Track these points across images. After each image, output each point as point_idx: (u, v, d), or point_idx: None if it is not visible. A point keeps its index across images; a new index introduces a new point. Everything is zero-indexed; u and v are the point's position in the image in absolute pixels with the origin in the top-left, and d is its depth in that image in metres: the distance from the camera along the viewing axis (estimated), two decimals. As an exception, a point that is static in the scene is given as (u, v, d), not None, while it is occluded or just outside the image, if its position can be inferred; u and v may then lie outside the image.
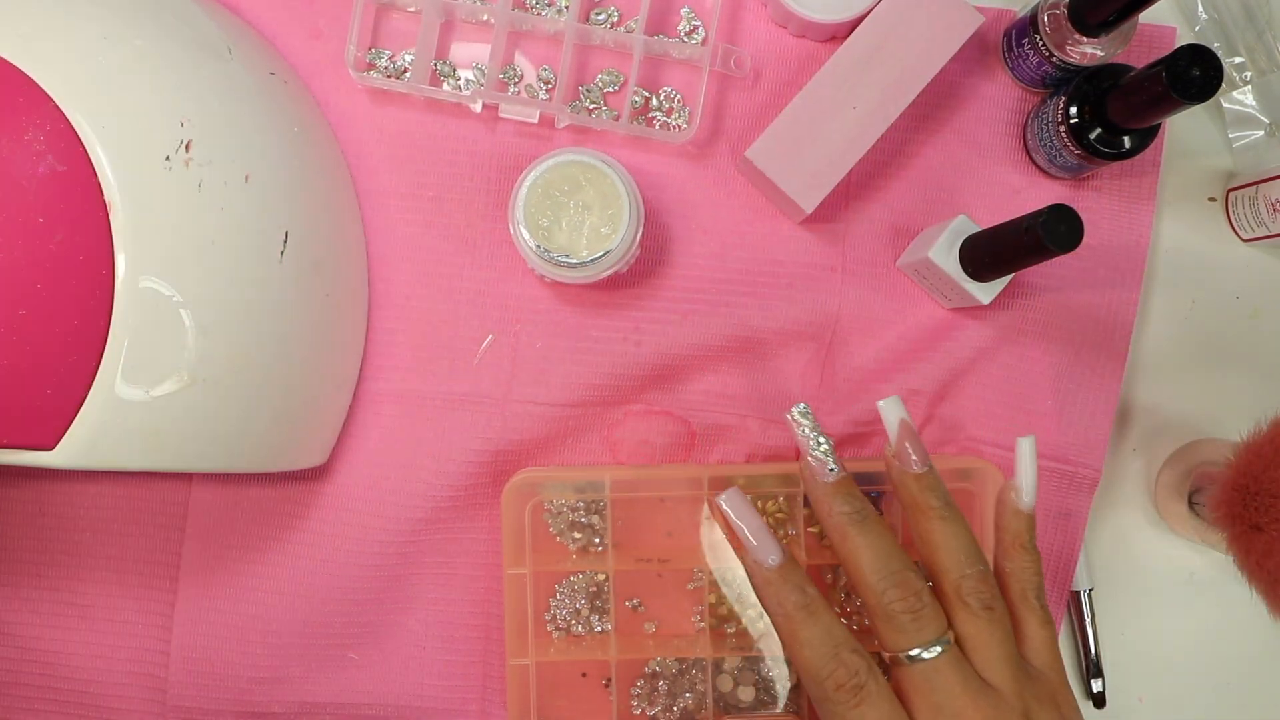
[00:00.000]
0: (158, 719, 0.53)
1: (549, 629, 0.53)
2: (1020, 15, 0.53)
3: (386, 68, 0.54)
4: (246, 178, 0.42)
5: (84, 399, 0.37)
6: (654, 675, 0.53)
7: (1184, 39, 0.57)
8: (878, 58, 0.50)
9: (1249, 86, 0.56)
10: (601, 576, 0.53)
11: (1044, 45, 0.50)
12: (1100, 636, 0.56)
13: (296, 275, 0.45)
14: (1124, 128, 0.49)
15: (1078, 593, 0.55)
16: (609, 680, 0.52)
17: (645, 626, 0.53)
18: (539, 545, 0.52)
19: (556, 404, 0.53)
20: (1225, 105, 0.57)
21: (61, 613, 0.53)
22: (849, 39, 0.50)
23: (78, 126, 0.38)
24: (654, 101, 0.54)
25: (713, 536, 0.53)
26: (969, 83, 0.55)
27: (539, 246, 0.47)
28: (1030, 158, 0.55)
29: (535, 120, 0.54)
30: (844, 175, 0.50)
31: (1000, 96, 0.56)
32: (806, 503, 0.53)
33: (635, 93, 0.54)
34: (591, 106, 0.54)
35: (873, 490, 0.54)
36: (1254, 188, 0.54)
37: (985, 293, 0.49)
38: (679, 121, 0.54)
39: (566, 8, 0.53)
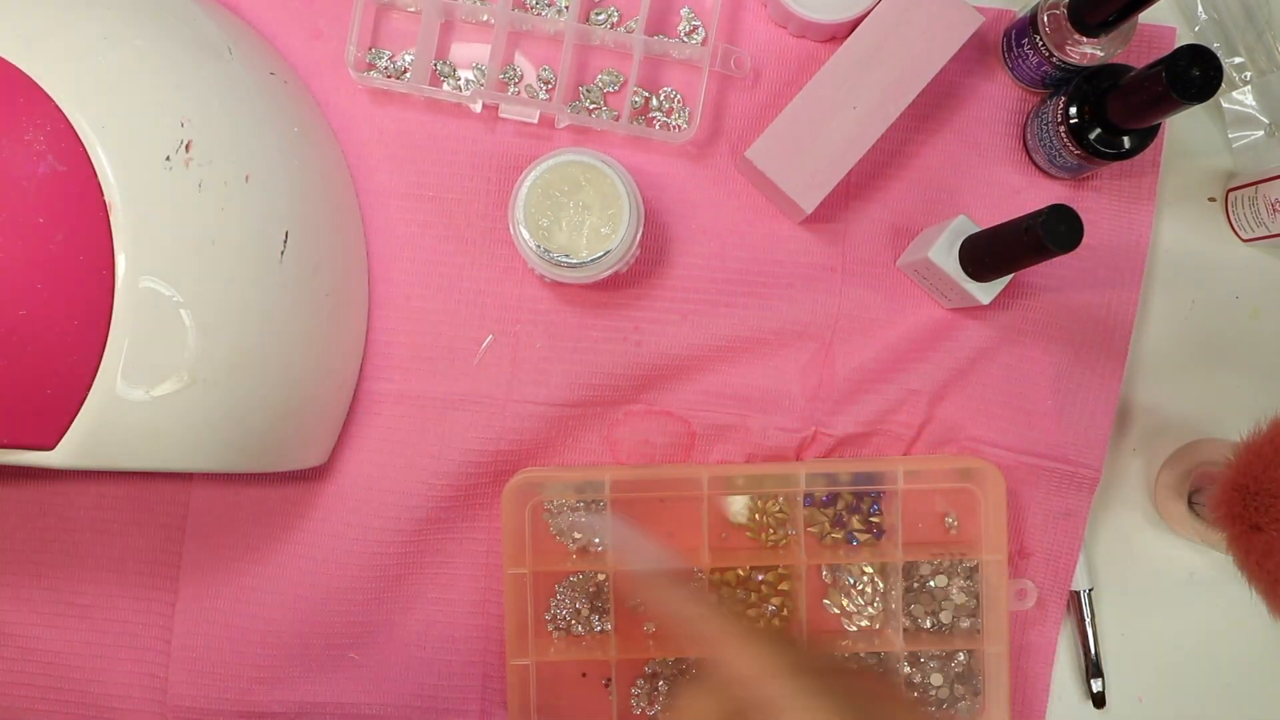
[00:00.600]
0: (158, 719, 0.53)
1: (549, 629, 0.53)
2: (1020, 15, 0.53)
3: (386, 68, 0.54)
4: (247, 178, 0.42)
5: (84, 399, 0.37)
6: (654, 675, 0.53)
7: (1184, 39, 0.57)
8: (878, 58, 0.50)
9: (1249, 86, 0.56)
10: (601, 576, 0.53)
11: (1044, 45, 0.50)
12: (1100, 636, 0.56)
13: (297, 275, 0.45)
14: (1124, 128, 0.49)
15: (1078, 593, 0.55)
16: (609, 680, 0.52)
17: (645, 626, 0.53)
18: (539, 545, 0.52)
19: (556, 404, 0.53)
20: (1225, 105, 0.57)
21: (62, 613, 0.53)
22: (849, 39, 0.50)
23: (78, 127, 0.38)
24: (654, 101, 0.54)
25: (712, 536, 0.53)
26: (969, 83, 0.55)
27: (539, 246, 0.47)
28: (1030, 158, 0.55)
29: (535, 120, 0.54)
30: (844, 175, 0.50)
31: (1000, 96, 0.56)
32: (807, 502, 0.54)
33: (635, 93, 0.54)
34: (591, 106, 0.54)
35: (873, 489, 0.54)
36: (1254, 188, 0.54)
37: (985, 293, 0.49)
38: (679, 121, 0.54)
39: (566, 8, 0.53)
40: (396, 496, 0.53)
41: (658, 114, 0.54)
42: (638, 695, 0.52)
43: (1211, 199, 0.57)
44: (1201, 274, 0.57)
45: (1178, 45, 0.46)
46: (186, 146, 0.40)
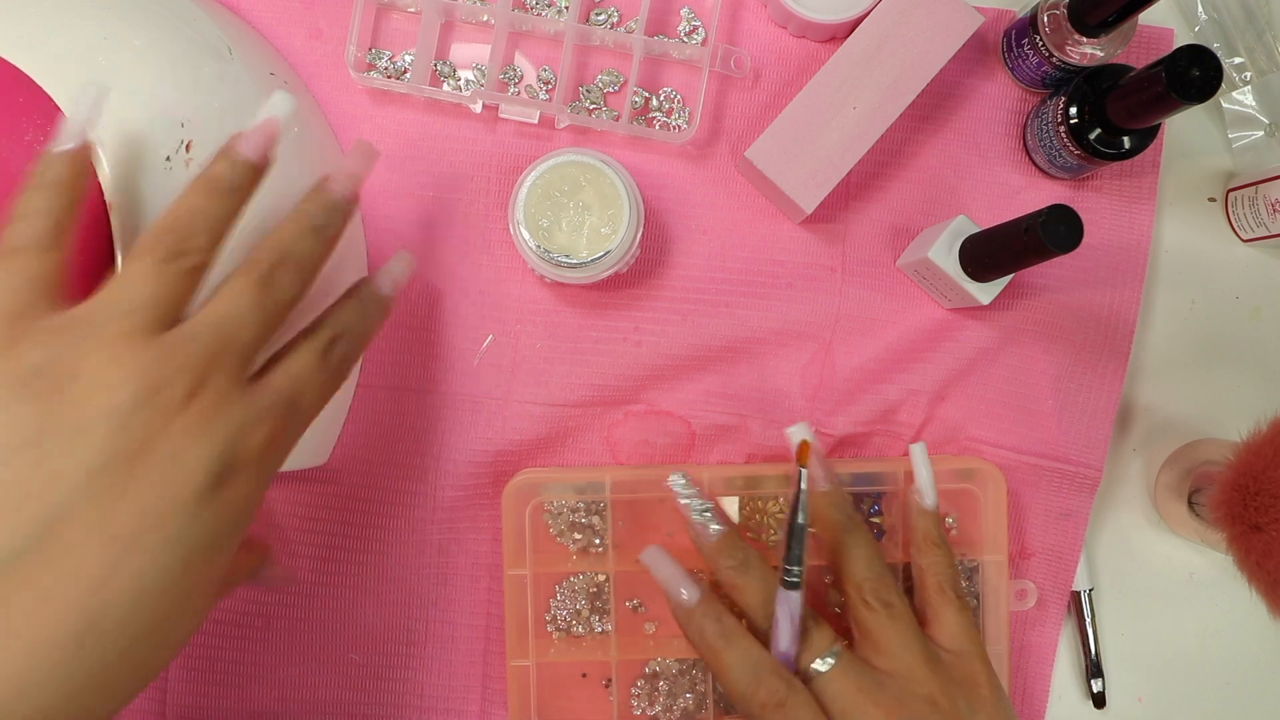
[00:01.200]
0: (157, 717, 0.53)
1: (549, 629, 0.53)
2: (1020, 15, 0.53)
3: (386, 68, 0.54)
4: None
5: None
6: (654, 675, 0.53)
7: (1184, 39, 0.57)
8: (877, 58, 0.50)
9: (1249, 86, 0.56)
10: (602, 577, 0.53)
11: (1044, 45, 0.50)
12: (1100, 636, 0.56)
13: None
14: (1123, 128, 0.49)
15: (1078, 593, 0.55)
16: (609, 680, 0.52)
17: (645, 627, 0.53)
18: (539, 546, 0.52)
19: (556, 404, 0.53)
20: (1225, 105, 0.57)
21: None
22: (849, 39, 0.50)
23: None
24: (654, 102, 0.54)
25: None
26: (969, 83, 0.55)
27: (539, 247, 0.47)
28: (1030, 158, 0.55)
29: (535, 120, 0.54)
30: (844, 175, 0.50)
31: (1000, 97, 0.56)
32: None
33: (635, 93, 0.54)
34: (591, 107, 0.54)
35: (874, 490, 0.54)
36: (1254, 188, 0.54)
37: (985, 293, 0.49)
38: (679, 122, 0.54)
39: (566, 8, 0.53)
40: (396, 496, 0.53)
41: (658, 114, 0.54)
42: (638, 695, 0.52)
43: (1211, 199, 0.57)
44: (1201, 274, 0.57)
45: (1177, 46, 0.46)
46: (187, 147, 0.40)
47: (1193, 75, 0.42)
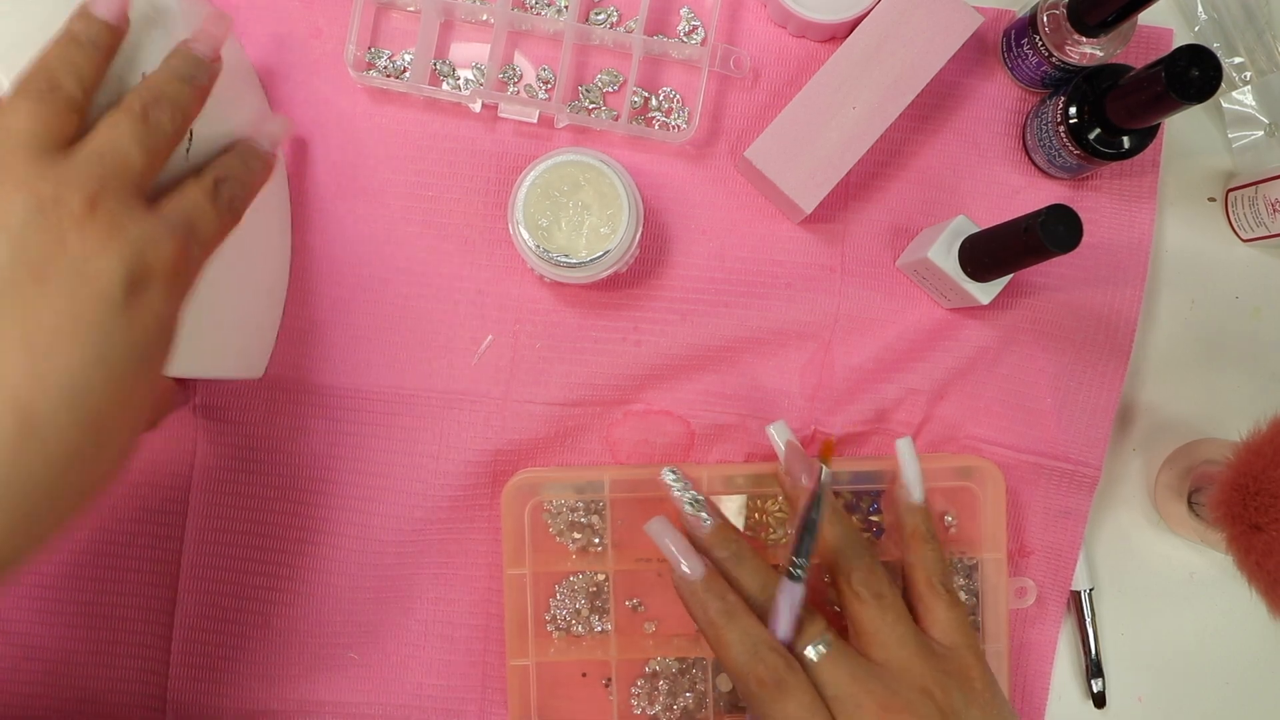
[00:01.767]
0: (158, 716, 0.53)
1: (549, 629, 0.53)
2: (1020, 15, 0.53)
3: (386, 67, 0.54)
4: (143, 75, 0.41)
5: None
6: (654, 675, 0.53)
7: (1184, 39, 0.57)
8: (877, 58, 0.50)
9: (1249, 86, 0.56)
10: (601, 576, 0.53)
11: (1043, 45, 0.50)
12: (1100, 636, 0.56)
13: None
14: (1123, 128, 0.49)
15: (1078, 593, 0.55)
16: (609, 680, 0.52)
17: (645, 626, 0.53)
18: (539, 545, 0.52)
19: (556, 404, 0.53)
20: (1225, 105, 0.57)
21: (61, 611, 0.53)
22: (848, 39, 0.50)
23: None
24: (653, 101, 0.54)
25: None
26: (968, 83, 0.55)
27: (538, 246, 0.47)
28: (1030, 158, 0.55)
29: (535, 120, 0.54)
30: (843, 175, 0.50)
31: (1000, 97, 0.56)
32: None
33: (635, 93, 0.54)
34: (591, 106, 0.54)
35: (873, 488, 0.54)
36: (1254, 188, 0.54)
37: (984, 293, 0.49)
38: (678, 121, 0.54)
39: (566, 8, 0.53)
40: (396, 496, 0.53)
41: (657, 114, 0.54)
42: (638, 695, 0.52)
43: (1211, 199, 0.57)
44: (1201, 274, 0.57)
45: (1176, 46, 0.46)
46: None
47: (1192, 75, 0.42)
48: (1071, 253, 0.42)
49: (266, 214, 0.51)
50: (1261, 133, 0.56)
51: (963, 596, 0.53)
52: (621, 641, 0.52)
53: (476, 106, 0.53)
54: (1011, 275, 0.49)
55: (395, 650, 0.53)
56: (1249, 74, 0.57)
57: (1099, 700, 0.55)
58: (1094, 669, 0.55)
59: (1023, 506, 0.55)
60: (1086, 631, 0.55)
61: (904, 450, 0.49)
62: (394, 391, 0.53)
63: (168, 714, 0.53)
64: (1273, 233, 0.54)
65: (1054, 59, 0.50)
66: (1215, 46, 0.57)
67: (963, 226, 0.49)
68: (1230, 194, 0.57)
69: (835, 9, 0.52)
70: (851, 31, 0.51)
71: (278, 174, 0.52)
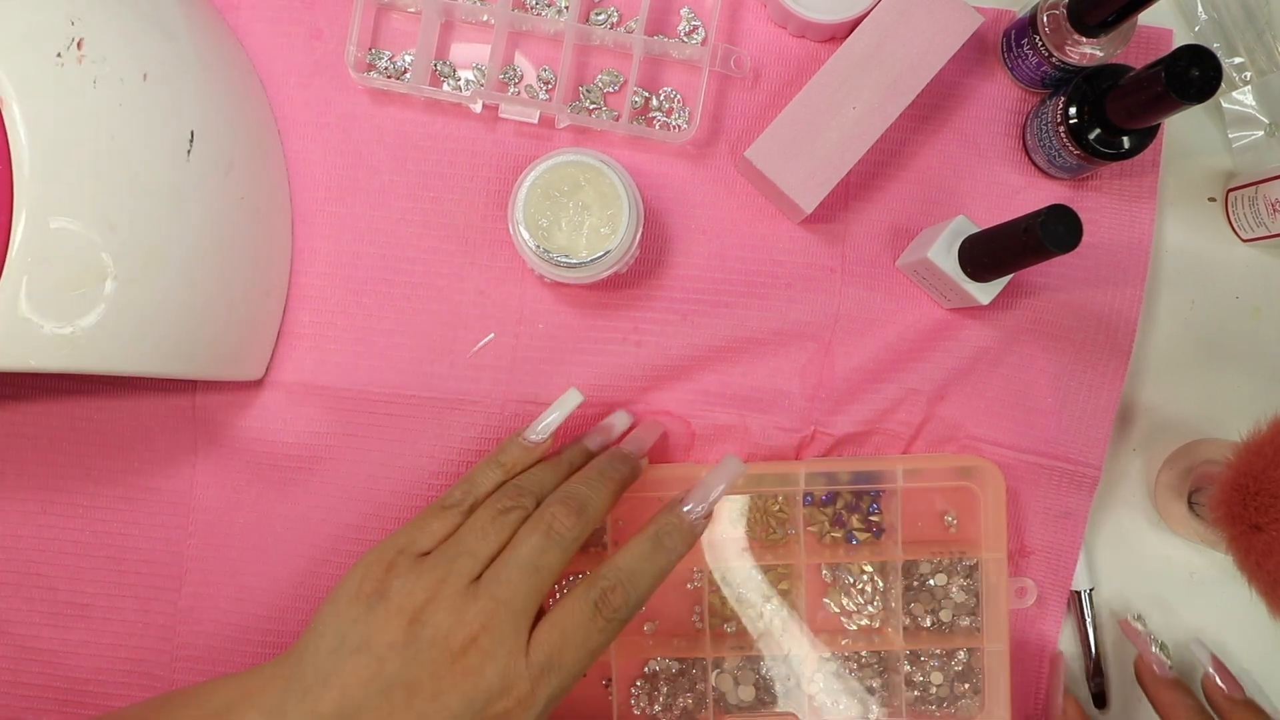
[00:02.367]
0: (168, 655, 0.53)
1: None
2: (1020, 15, 0.53)
3: (386, 68, 0.54)
4: (145, 76, 0.42)
5: None
6: (654, 675, 0.53)
7: (1184, 39, 0.57)
8: (877, 58, 0.50)
9: (1249, 86, 0.56)
10: None
11: (1043, 45, 0.50)
12: (1100, 636, 0.56)
13: (207, 175, 0.45)
14: (1123, 128, 0.49)
15: (1079, 593, 0.55)
16: (609, 680, 0.52)
17: (645, 626, 0.53)
18: None
19: (556, 404, 0.53)
20: (1225, 105, 0.57)
21: (62, 612, 0.53)
22: (848, 39, 0.50)
23: None
24: (654, 101, 0.54)
25: (712, 535, 0.53)
26: (968, 83, 0.55)
27: (539, 246, 0.47)
28: (1030, 158, 0.55)
29: (535, 120, 0.54)
30: (843, 175, 0.50)
31: (1000, 97, 0.56)
32: (806, 501, 0.54)
33: (635, 93, 0.54)
34: (591, 106, 0.54)
35: (871, 489, 0.54)
36: (1254, 188, 0.54)
37: (984, 293, 0.49)
38: (679, 121, 0.54)
39: (566, 8, 0.53)
40: (396, 497, 0.53)
41: (658, 114, 0.54)
42: (637, 695, 0.52)
43: (1211, 199, 0.57)
44: (1201, 274, 0.57)
45: (1176, 46, 0.46)
46: (78, 44, 0.40)
47: (1192, 75, 0.42)
48: (1071, 253, 0.42)
49: (267, 214, 0.51)
50: (1261, 133, 0.56)
51: (963, 597, 0.53)
52: (621, 641, 0.52)
53: (477, 107, 0.53)
54: (1011, 275, 0.49)
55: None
56: (1249, 74, 0.57)
57: (1099, 700, 0.55)
58: (1094, 669, 0.55)
59: (1023, 506, 0.55)
60: (1087, 632, 0.55)
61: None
62: (394, 392, 0.53)
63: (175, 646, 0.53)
64: (1273, 233, 0.54)
65: (1054, 59, 0.50)
66: (1215, 46, 0.57)
67: (962, 226, 0.49)
68: (1230, 194, 0.57)
69: (835, 9, 0.52)
70: (851, 31, 0.51)
71: (279, 174, 0.52)
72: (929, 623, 0.53)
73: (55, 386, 0.53)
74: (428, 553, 0.41)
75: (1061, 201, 0.43)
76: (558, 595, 0.53)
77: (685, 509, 0.43)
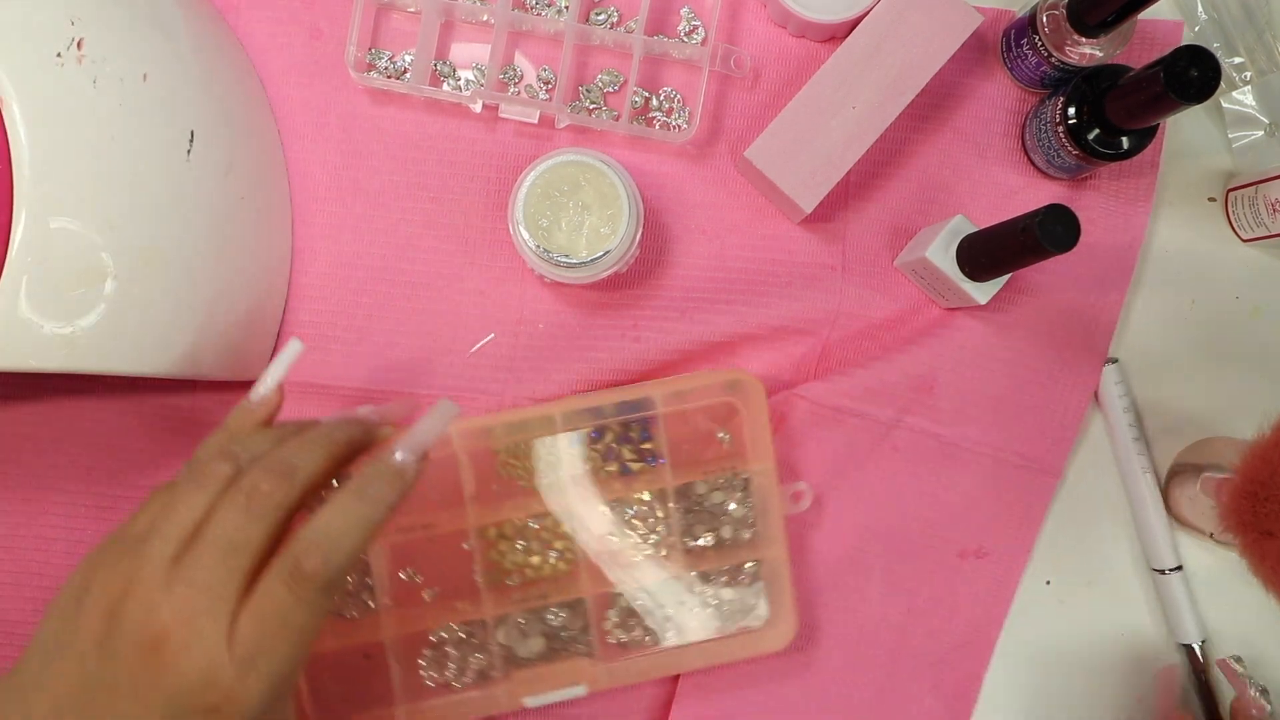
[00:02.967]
0: None
1: None
2: (1019, 15, 0.53)
3: (386, 68, 0.54)
4: (144, 76, 0.42)
5: None
6: (440, 643, 0.50)
7: (1184, 39, 0.57)
8: (877, 58, 0.50)
9: (1249, 86, 0.56)
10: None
11: (1043, 46, 0.50)
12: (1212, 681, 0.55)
13: (207, 174, 0.45)
14: (1122, 128, 0.49)
15: (1189, 646, 0.55)
16: (390, 657, 0.50)
17: (424, 595, 0.51)
18: None
19: (556, 403, 0.53)
20: (1225, 105, 0.57)
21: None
22: (848, 39, 0.50)
23: None
24: (654, 101, 0.54)
25: (482, 489, 0.51)
26: (968, 83, 0.55)
27: (539, 246, 0.47)
28: (1029, 158, 0.55)
29: (535, 120, 0.54)
30: (843, 175, 0.50)
31: (999, 97, 0.56)
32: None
33: (635, 93, 0.54)
34: (591, 106, 0.54)
35: (639, 417, 0.51)
36: (1254, 188, 0.54)
37: (982, 292, 0.49)
38: (679, 121, 0.54)
39: (566, 8, 0.53)
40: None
41: (658, 114, 0.54)
42: (427, 666, 0.50)
43: (1211, 199, 0.57)
44: (1201, 274, 0.57)
45: (1183, 42, 0.46)
46: (78, 44, 0.40)
47: (1191, 75, 0.42)
48: (1070, 253, 0.42)
49: (267, 214, 0.51)
50: (1261, 133, 0.56)
51: (742, 511, 0.52)
52: (401, 615, 0.50)
53: (477, 107, 0.53)
54: (1009, 275, 0.49)
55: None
56: (1249, 74, 0.57)
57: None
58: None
59: (987, 499, 0.55)
60: (1209, 689, 0.54)
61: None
62: (395, 392, 0.53)
63: None
64: (1273, 233, 0.54)
65: (1054, 59, 0.50)
66: (1215, 46, 0.57)
67: (961, 226, 0.49)
68: (1230, 194, 0.57)
69: (835, 9, 0.52)
70: (851, 31, 0.51)
71: (279, 174, 0.53)
72: (711, 541, 0.52)
73: (55, 386, 0.53)
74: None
75: (1060, 201, 0.43)
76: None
77: (393, 456, 0.40)
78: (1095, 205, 0.55)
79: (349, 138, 0.53)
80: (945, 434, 0.55)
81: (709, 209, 0.54)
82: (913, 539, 0.55)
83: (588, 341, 0.54)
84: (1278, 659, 0.56)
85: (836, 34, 0.54)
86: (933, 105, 0.55)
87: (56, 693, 0.34)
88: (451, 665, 0.51)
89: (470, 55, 0.54)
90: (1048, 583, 0.56)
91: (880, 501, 0.55)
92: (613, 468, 0.52)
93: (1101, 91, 0.49)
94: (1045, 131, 0.52)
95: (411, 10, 0.54)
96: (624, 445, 0.52)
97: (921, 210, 0.55)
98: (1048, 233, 0.42)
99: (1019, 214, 0.45)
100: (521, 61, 0.54)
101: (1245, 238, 0.56)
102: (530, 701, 0.50)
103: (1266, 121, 0.56)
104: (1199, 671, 0.54)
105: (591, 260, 0.47)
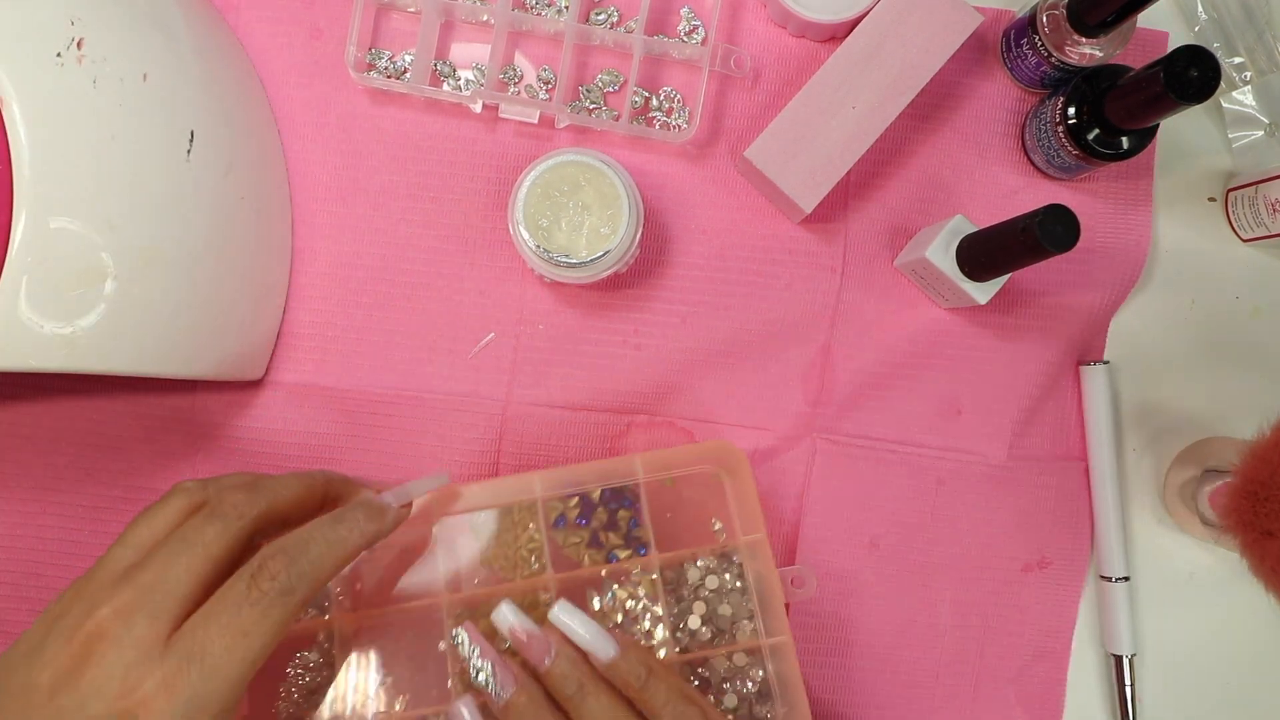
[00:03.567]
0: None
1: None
2: (1019, 15, 0.53)
3: (386, 68, 0.54)
4: (144, 76, 0.42)
5: None
6: None
7: (1184, 39, 0.57)
8: (877, 58, 0.50)
9: (1249, 86, 0.56)
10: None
11: (1043, 46, 0.50)
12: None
13: (207, 175, 0.45)
14: (1122, 128, 0.49)
15: (1118, 656, 0.55)
16: None
17: (395, 705, 0.47)
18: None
19: (556, 405, 0.53)
20: (1225, 105, 0.57)
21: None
22: (848, 39, 0.50)
23: None
24: (654, 101, 0.54)
25: (464, 590, 0.48)
26: (968, 83, 0.55)
27: (539, 246, 0.47)
28: (1028, 158, 0.55)
29: (535, 120, 0.54)
30: (843, 175, 0.50)
31: (999, 97, 0.56)
32: (559, 524, 0.50)
33: (635, 93, 0.54)
34: (591, 106, 0.54)
35: (624, 500, 0.49)
36: (1254, 188, 0.54)
37: (982, 293, 0.49)
38: (679, 121, 0.54)
39: (566, 8, 0.53)
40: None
41: (658, 114, 0.54)
42: None
43: (1211, 199, 0.57)
44: (1201, 274, 0.57)
45: (1173, 47, 0.46)
46: (78, 44, 0.40)
47: (1191, 75, 0.42)
48: (1069, 253, 0.42)
49: (267, 214, 0.51)
50: (1261, 133, 0.56)
51: (739, 596, 0.48)
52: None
53: (477, 107, 0.53)
54: (1009, 275, 0.49)
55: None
56: (1249, 74, 0.57)
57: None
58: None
59: (1035, 509, 0.55)
60: (1126, 701, 0.55)
61: (562, 616, 0.42)
62: (395, 392, 0.53)
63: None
64: (1273, 233, 0.54)
65: (1053, 59, 0.50)
66: (1215, 46, 0.57)
67: (960, 226, 0.49)
68: (1230, 194, 0.57)
69: (835, 9, 0.52)
70: (851, 31, 0.51)
71: (279, 174, 0.53)
72: (708, 634, 0.48)
73: (55, 386, 0.53)
74: None
75: (1059, 201, 0.43)
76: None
77: (378, 495, 0.41)
78: (1095, 205, 0.55)
79: (349, 138, 0.53)
80: (982, 454, 0.55)
81: (709, 209, 0.54)
82: (975, 563, 0.55)
83: (588, 342, 0.54)
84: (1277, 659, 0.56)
85: (836, 34, 0.54)
86: (933, 105, 0.55)
87: (13, 693, 0.34)
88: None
89: (470, 55, 0.54)
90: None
91: (934, 536, 0.55)
92: (598, 555, 0.49)
93: (1101, 91, 0.49)
94: (1045, 131, 0.52)
95: (411, 10, 0.54)
96: (610, 532, 0.49)
97: (921, 210, 0.55)
98: (1047, 233, 0.42)
99: (1019, 214, 0.45)
100: (521, 61, 0.54)
101: (1245, 238, 0.56)
102: None
103: (1266, 121, 0.56)
104: (1122, 683, 0.55)
105: (591, 260, 0.47)
